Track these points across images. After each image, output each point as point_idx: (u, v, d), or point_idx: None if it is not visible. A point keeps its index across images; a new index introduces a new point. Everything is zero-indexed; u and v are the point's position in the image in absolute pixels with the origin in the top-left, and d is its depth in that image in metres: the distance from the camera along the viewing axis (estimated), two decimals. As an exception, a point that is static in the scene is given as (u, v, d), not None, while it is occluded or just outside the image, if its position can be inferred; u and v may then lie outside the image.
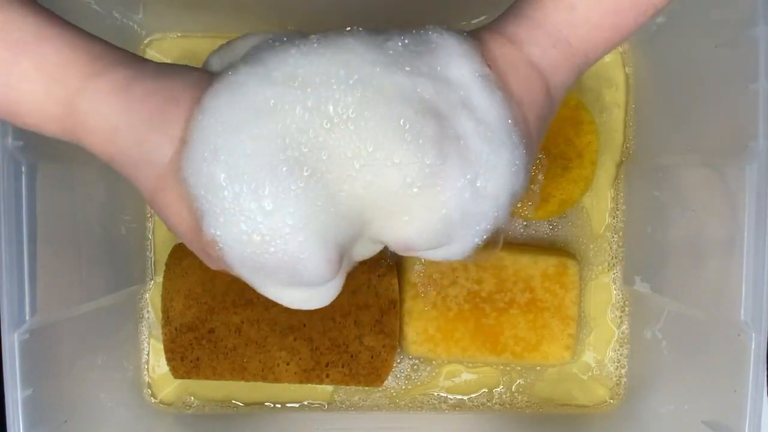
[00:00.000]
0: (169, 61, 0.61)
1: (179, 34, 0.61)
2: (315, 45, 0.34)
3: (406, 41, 0.35)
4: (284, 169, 0.32)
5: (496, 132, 0.34)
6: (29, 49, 0.32)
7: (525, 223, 0.62)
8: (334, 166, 0.33)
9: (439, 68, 0.34)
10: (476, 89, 0.34)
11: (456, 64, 0.34)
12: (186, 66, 0.36)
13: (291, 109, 0.33)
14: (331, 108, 0.33)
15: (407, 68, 0.34)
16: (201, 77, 0.35)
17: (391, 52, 0.34)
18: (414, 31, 0.36)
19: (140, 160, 0.34)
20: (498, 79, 0.35)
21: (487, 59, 0.35)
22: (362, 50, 0.34)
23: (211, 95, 0.33)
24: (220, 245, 0.33)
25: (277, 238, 0.33)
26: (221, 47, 0.38)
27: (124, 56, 0.34)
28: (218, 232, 0.33)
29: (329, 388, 0.62)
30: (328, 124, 0.33)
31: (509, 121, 0.34)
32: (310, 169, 0.33)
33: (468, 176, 0.33)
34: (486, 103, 0.34)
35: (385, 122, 0.32)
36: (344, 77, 0.33)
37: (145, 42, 0.61)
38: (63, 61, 0.32)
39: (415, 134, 0.32)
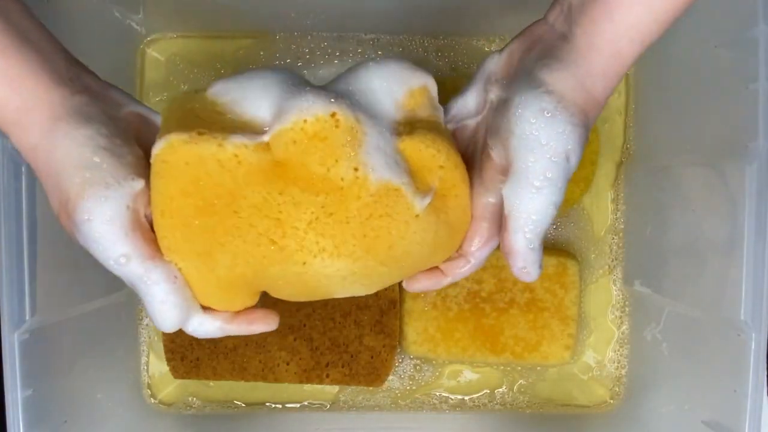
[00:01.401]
0: (164, 60, 0.61)
1: (179, 34, 0.61)
2: None
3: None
4: None
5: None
6: None
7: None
8: None
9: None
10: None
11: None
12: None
13: None
14: None
15: None
16: None
17: None
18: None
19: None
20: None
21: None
22: None
23: None
24: None
25: None
26: (231, 79, 0.37)
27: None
28: None
29: (334, 388, 0.62)
30: None
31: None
32: None
33: None
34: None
35: None
36: None
37: (145, 42, 0.61)
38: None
39: None
